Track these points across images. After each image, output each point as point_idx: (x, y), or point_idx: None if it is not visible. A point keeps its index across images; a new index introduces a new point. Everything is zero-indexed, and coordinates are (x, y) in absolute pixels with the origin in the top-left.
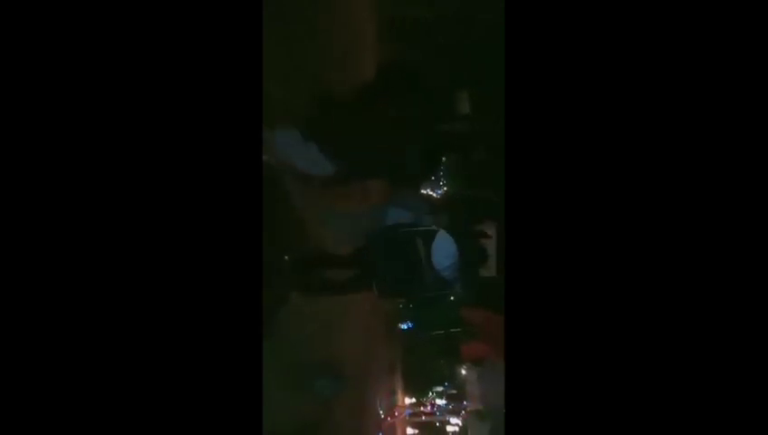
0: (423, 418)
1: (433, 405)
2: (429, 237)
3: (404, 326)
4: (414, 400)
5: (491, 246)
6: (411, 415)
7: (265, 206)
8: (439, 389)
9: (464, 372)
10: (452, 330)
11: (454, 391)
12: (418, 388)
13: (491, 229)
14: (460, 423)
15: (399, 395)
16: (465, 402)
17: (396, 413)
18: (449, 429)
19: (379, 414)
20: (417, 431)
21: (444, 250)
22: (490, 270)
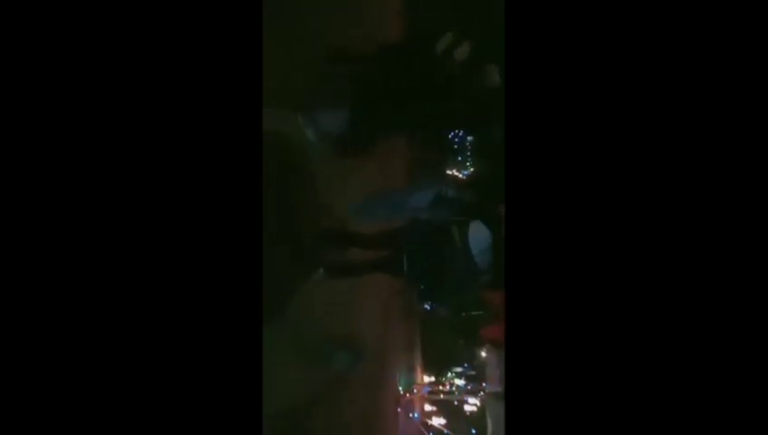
0: (441, 396)
1: (452, 385)
2: (463, 227)
3: (426, 306)
4: (433, 378)
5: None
6: (430, 393)
7: (289, 186)
8: (458, 369)
9: (483, 353)
10: (473, 313)
11: (473, 373)
12: (438, 367)
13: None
14: (478, 404)
15: (419, 373)
16: (483, 384)
17: (415, 390)
18: (467, 408)
19: (398, 390)
20: (435, 409)
21: (478, 239)
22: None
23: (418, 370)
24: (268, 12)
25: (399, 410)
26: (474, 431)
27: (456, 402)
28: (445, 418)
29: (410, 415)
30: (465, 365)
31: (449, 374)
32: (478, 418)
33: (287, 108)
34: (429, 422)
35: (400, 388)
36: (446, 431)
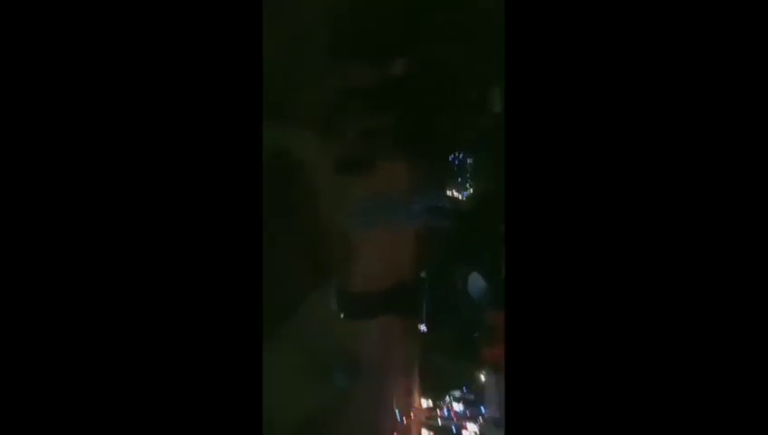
0: (439, 422)
1: (450, 410)
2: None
3: (424, 328)
4: (431, 402)
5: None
6: (427, 418)
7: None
8: (457, 393)
9: (482, 377)
10: (474, 333)
11: (471, 397)
12: (436, 391)
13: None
14: (477, 431)
15: (416, 396)
16: (482, 409)
17: (412, 415)
18: (465, 434)
19: (395, 414)
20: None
21: (476, 286)
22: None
23: (416, 394)
24: (268, 11)
25: None
26: None
27: (453, 429)
28: None
29: None
30: (464, 389)
31: (447, 399)
32: None
33: (288, 122)
34: None
35: (397, 411)
36: None
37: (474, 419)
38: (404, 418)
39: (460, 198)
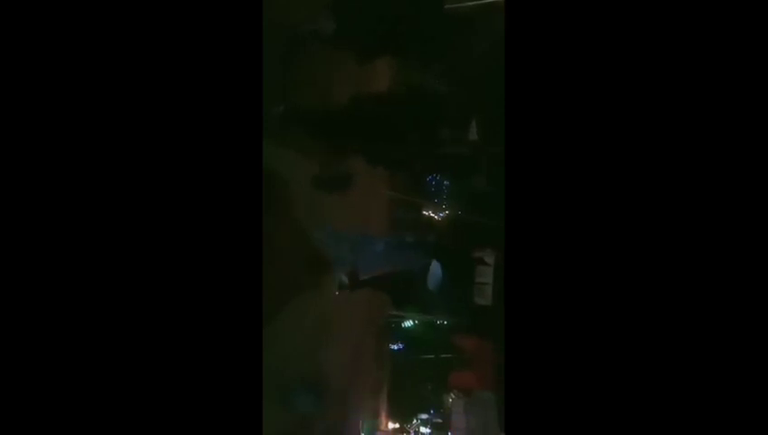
0: None
1: (416, 433)
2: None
3: (394, 347)
4: (397, 425)
5: (488, 273)
6: None
7: (265, 211)
8: (424, 416)
9: (450, 400)
10: (443, 356)
11: (439, 420)
12: (403, 413)
13: (490, 257)
14: None
15: (383, 418)
16: (449, 433)
17: None
18: None
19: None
20: None
21: (434, 275)
22: (486, 298)
23: (383, 415)
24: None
25: None
26: None
27: None
28: None
29: None
30: (432, 412)
31: (415, 421)
32: None
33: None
34: None
35: (362, 434)
36: None
37: None
38: None
39: (436, 217)
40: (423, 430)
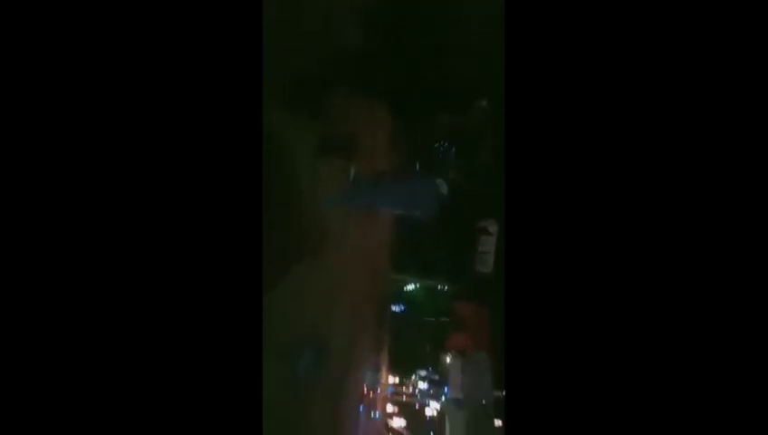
0: (404, 398)
1: (415, 388)
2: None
3: (396, 309)
4: (397, 380)
5: (490, 242)
6: (393, 394)
7: (266, 185)
8: (423, 373)
9: (448, 360)
10: (442, 319)
11: (436, 377)
12: (403, 370)
13: (493, 227)
14: (438, 408)
15: (384, 374)
16: (445, 389)
17: (379, 390)
18: (428, 412)
19: (363, 389)
20: (396, 410)
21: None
22: (487, 266)
23: (384, 370)
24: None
25: (362, 408)
26: (432, 434)
27: (417, 405)
28: (405, 419)
29: (372, 415)
30: (430, 370)
31: (413, 377)
32: (438, 422)
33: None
34: (390, 423)
35: (365, 386)
36: (405, 433)
37: (436, 397)
38: (371, 392)
39: (442, 191)
40: (421, 385)
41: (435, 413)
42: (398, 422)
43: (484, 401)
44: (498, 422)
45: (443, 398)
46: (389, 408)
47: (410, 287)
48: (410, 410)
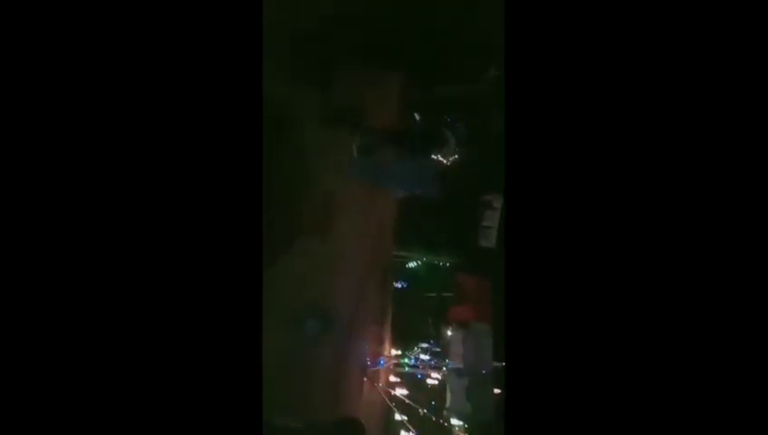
0: (406, 369)
1: (417, 359)
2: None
3: (398, 285)
4: (400, 352)
5: (494, 217)
6: (396, 365)
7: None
8: (424, 345)
9: (449, 332)
10: (444, 294)
11: (438, 349)
12: (405, 343)
13: (497, 201)
14: (440, 378)
15: (387, 346)
16: (447, 360)
17: (382, 361)
18: (429, 382)
19: (366, 360)
20: (399, 380)
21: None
22: (490, 241)
23: (387, 343)
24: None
25: (365, 379)
26: (433, 403)
27: (419, 376)
28: (407, 389)
29: (375, 385)
30: (432, 342)
31: (415, 349)
32: (439, 391)
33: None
34: (392, 392)
35: (368, 358)
36: (407, 401)
37: (438, 368)
38: (373, 364)
39: (445, 162)
40: (423, 356)
41: (436, 383)
42: (400, 392)
43: (483, 371)
44: (497, 391)
45: (444, 368)
46: (392, 379)
47: (413, 264)
48: (412, 381)
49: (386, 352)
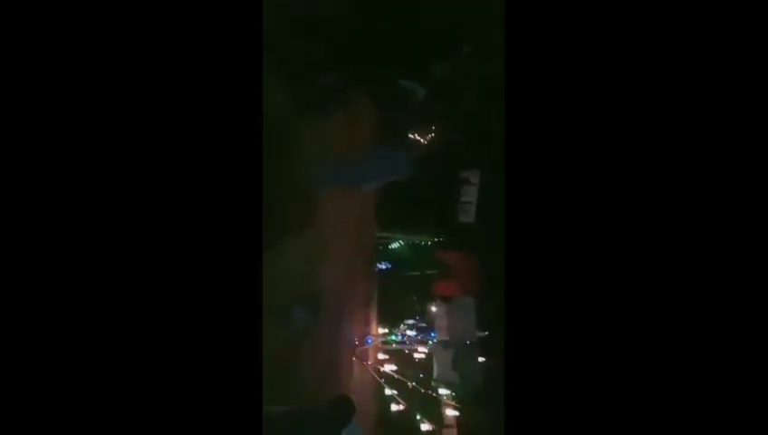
0: (393, 346)
1: (403, 335)
2: None
3: (382, 266)
4: (387, 330)
5: (472, 193)
6: (383, 343)
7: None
8: (410, 322)
9: (434, 308)
10: (427, 271)
11: (423, 325)
12: (391, 321)
13: (474, 177)
14: (427, 351)
15: (374, 325)
16: (432, 334)
17: (370, 341)
18: (416, 356)
19: (354, 340)
20: (387, 357)
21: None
22: (469, 216)
23: (374, 323)
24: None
25: (354, 358)
26: (421, 375)
27: (406, 351)
28: (396, 365)
29: (364, 363)
30: (417, 318)
31: (402, 326)
32: (426, 364)
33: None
34: (381, 369)
35: (355, 338)
36: (396, 376)
37: (424, 342)
38: (361, 343)
39: (422, 141)
40: (409, 332)
41: (423, 356)
42: (389, 367)
43: (468, 341)
44: (481, 359)
45: (430, 342)
46: (380, 356)
47: (395, 245)
48: (400, 356)
49: (373, 332)
